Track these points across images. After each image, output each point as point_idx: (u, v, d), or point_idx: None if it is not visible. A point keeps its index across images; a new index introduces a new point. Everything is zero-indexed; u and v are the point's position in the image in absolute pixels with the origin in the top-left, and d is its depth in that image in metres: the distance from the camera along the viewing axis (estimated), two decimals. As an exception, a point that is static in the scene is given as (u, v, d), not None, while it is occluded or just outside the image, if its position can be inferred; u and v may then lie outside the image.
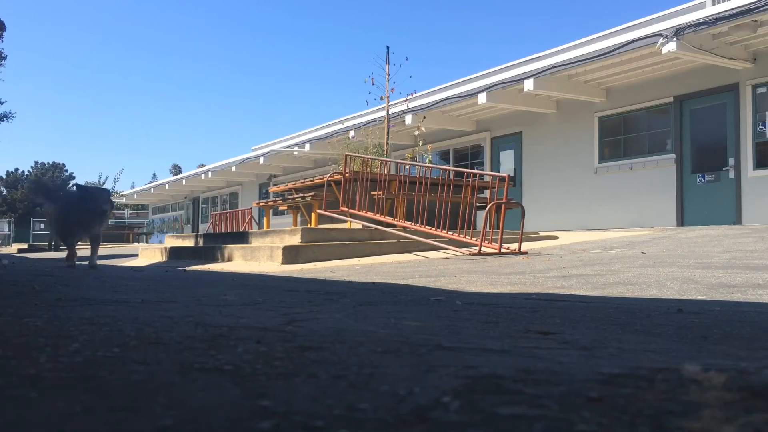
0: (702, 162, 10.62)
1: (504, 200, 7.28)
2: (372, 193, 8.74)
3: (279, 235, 8.09)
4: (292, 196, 10.51)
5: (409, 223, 8.15)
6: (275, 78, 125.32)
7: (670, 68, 10.80)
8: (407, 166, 9.55)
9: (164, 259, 9.80)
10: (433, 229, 7.75)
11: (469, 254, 6.83)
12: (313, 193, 9.76)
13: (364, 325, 1.70)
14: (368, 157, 9.91)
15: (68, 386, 0.90)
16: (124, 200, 33.54)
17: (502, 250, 6.83)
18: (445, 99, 13.28)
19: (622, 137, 11.98)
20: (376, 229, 8.29)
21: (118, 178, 51.46)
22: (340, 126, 16.82)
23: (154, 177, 70.68)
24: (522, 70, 11.77)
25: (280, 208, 11.05)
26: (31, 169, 60.70)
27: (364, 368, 1.05)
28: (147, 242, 26.93)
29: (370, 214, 8.62)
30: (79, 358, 1.10)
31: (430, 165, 9.68)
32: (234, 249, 8.26)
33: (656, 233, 8.31)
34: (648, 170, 11.32)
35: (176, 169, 64.54)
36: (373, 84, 11.51)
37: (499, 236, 6.93)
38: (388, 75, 11.36)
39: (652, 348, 1.48)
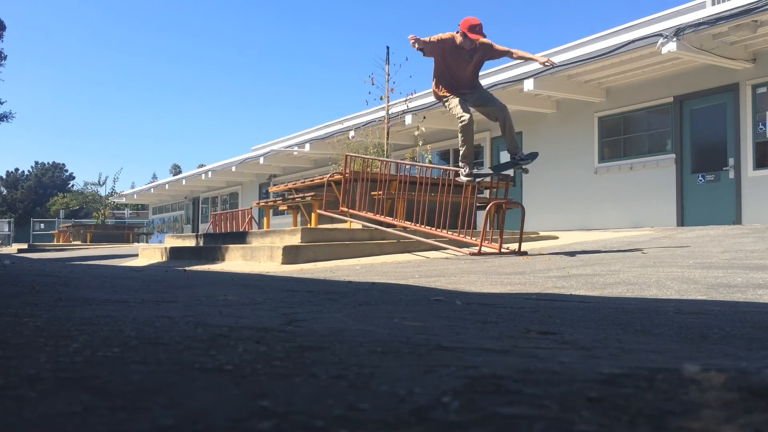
0: (702, 162, 10.61)
1: (504, 200, 7.28)
2: (372, 193, 8.73)
3: (279, 235, 8.08)
4: (292, 196, 10.51)
5: (409, 223, 8.15)
6: (275, 78, 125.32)
7: (670, 68, 10.79)
8: (407, 166, 9.54)
9: (164, 259, 9.80)
10: (433, 229, 7.74)
11: (469, 254, 6.83)
12: (313, 193, 9.76)
13: (364, 325, 1.70)
14: (368, 157, 9.90)
15: (68, 386, 0.90)
16: (124, 200, 33.53)
17: (502, 250, 6.82)
18: (445, 99, 13.26)
19: (622, 137, 11.98)
20: (376, 229, 8.28)
21: (117, 177, 51.46)
22: (340, 126, 16.80)
23: (154, 177, 70.71)
24: (522, 70, 11.75)
25: (280, 208, 11.04)
26: (31, 169, 60.64)
27: (364, 368, 1.05)
28: (147, 242, 26.91)
29: (370, 214, 8.61)
30: (79, 358, 1.10)
31: (430, 165, 9.67)
32: (234, 249, 8.26)
33: (656, 233, 8.31)
34: (648, 170, 11.31)
35: (176, 169, 64.54)
36: (372, 84, 11.49)
37: (499, 236, 6.93)
38: (388, 75, 11.35)
39: (652, 348, 1.48)
